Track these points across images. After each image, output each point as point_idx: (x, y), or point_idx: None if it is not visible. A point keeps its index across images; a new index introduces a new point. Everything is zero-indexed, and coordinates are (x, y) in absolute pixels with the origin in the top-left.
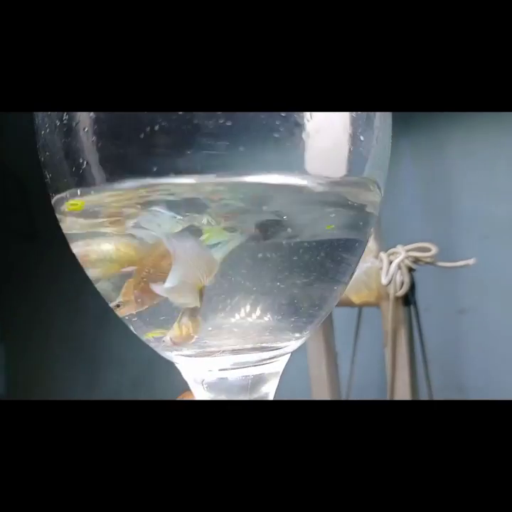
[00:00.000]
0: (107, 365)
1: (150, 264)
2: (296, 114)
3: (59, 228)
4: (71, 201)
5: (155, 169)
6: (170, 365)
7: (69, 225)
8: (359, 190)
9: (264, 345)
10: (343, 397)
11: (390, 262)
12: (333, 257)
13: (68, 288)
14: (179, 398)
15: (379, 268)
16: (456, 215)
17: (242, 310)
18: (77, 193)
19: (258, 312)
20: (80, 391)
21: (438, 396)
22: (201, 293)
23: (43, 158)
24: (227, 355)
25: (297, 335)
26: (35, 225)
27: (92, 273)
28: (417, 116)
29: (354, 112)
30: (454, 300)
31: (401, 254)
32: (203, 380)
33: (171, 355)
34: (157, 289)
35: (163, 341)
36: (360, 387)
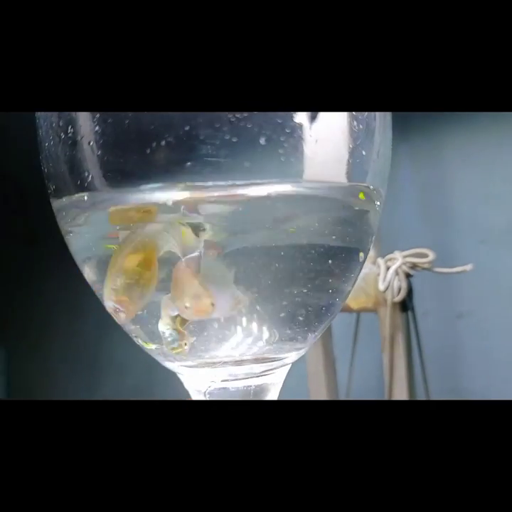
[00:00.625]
0: (107, 370)
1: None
2: (297, 125)
3: (58, 232)
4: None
5: (158, 181)
6: (170, 370)
7: (73, 240)
8: (359, 200)
9: (265, 356)
10: None
11: (388, 268)
12: (334, 268)
13: (68, 292)
14: None
15: (376, 274)
16: (454, 221)
17: (244, 321)
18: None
19: (259, 323)
20: (80, 395)
21: None
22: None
23: (46, 170)
24: (229, 366)
25: (298, 346)
26: (34, 228)
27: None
28: (415, 121)
29: (355, 125)
30: (451, 305)
31: (398, 260)
32: (205, 391)
33: (174, 366)
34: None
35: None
36: (358, 392)
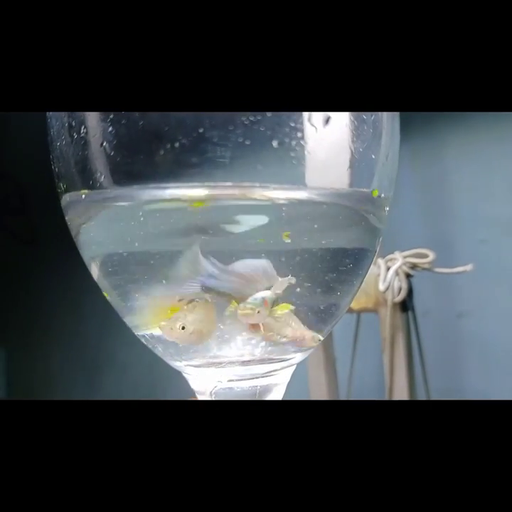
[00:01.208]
0: (107, 370)
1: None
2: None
3: (59, 232)
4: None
5: (168, 182)
6: (171, 370)
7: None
8: (368, 204)
9: (271, 357)
10: None
11: (388, 269)
12: (341, 270)
13: (68, 292)
14: None
15: (377, 274)
16: (454, 220)
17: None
18: (92, 201)
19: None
20: (81, 395)
21: None
22: None
23: (57, 169)
24: (236, 366)
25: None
26: (35, 228)
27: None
28: (415, 121)
29: (364, 128)
30: (452, 305)
31: (398, 260)
32: (211, 391)
33: (180, 365)
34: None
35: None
36: (358, 392)
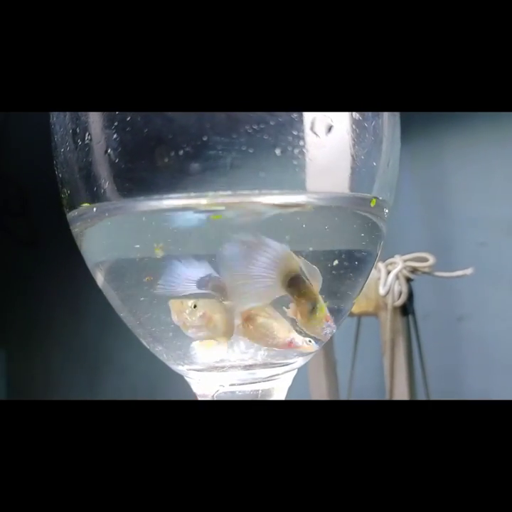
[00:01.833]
0: (107, 371)
1: None
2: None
3: (59, 234)
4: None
5: (172, 191)
6: (170, 372)
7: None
8: (370, 209)
9: (273, 361)
10: None
11: (388, 272)
12: (343, 275)
13: (68, 293)
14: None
15: (377, 278)
16: (454, 223)
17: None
18: (96, 207)
19: None
20: (80, 396)
21: None
22: None
23: (61, 175)
24: (238, 371)
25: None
26: (35, 230)
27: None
28: (414, 123)
29: (365, 136)
30: (452, 308)
31: (399, 264)
32: (213, 395)
33: (183, 370)
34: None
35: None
36: (359, 395)
